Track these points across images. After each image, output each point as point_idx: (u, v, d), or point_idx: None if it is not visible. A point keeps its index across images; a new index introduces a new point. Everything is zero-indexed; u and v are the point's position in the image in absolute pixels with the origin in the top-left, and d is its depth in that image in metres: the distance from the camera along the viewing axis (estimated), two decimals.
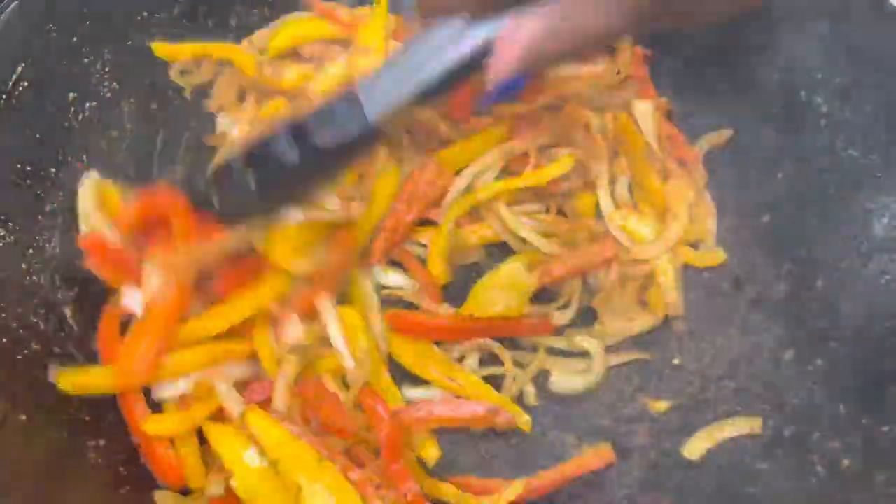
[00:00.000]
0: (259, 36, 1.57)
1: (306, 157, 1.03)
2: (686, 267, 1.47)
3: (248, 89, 1.55)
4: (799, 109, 1.39)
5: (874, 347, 1.25)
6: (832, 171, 1.35)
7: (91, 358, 1.30)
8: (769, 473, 1.26)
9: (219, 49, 1.51)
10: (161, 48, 1.47)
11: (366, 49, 1.48)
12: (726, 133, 1.51)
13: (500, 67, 0.87)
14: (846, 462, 1.18)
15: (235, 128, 1.54)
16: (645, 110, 1.52)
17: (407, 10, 1.44)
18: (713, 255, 1.47)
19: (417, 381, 1.36)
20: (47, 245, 1.31)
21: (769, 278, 1.42)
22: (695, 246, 1.49)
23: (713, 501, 1.27)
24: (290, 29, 1.55)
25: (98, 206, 1.35)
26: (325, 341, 1.30)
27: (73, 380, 1.20)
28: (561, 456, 1.34)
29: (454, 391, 1.33)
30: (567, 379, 1.39)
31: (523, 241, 1.42)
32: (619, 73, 1.50)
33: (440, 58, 0.92)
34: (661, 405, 1.38)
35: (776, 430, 1.29)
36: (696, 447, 1.31)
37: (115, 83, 1.41)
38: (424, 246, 1.44)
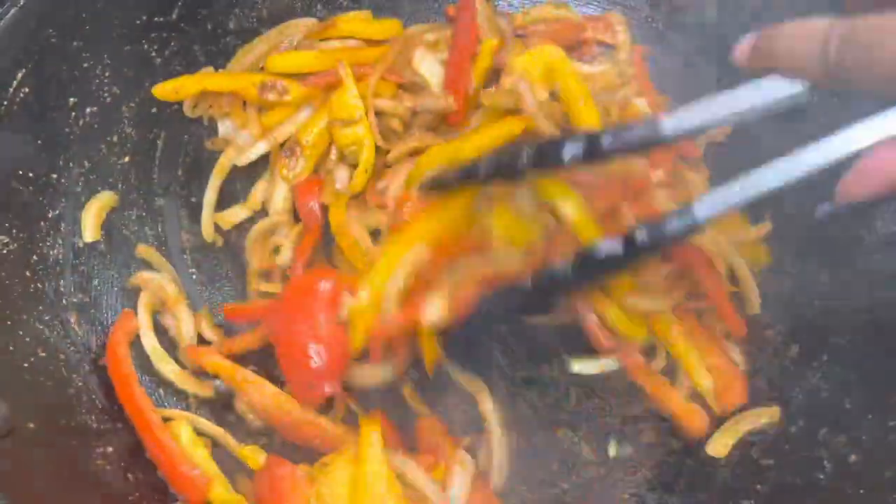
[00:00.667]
0: (259, 43, 1.57)
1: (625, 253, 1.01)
2: None
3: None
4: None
5: (879, 342, 1.25)
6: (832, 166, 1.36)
7: (96, 365, 1.30)
8: (776, 470, 1.26)
9: (218, 82, 1.51)
10: (162, 90, 1.47)
11: (340, 112, 1.49)
12: (725, 129, 1.52)
13: (855, 191, 0.74)
14: (853, 457, 1.19)
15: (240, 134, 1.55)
16: (643, 108, 1.52)
17: None
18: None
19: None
20: (51, 252, 1.31)
21: (772, 274, 1.42)
22: None
23: (720, 499, 1.27)
24: (285, 59, 1.55)
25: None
26: None
27: None
28: (569, 451, 1.35)
29: None
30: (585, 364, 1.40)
31: None
32: (619, 74, 1.50)
33: (789, 165, 0.87)
34: None
35: (783, 427, 1.30)
36: (719, 444, 1.31)
37: (115, 88, 1.41)
38: None
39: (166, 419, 1.28)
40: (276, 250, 1.49)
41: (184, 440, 1.26)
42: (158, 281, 1.42)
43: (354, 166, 1.50)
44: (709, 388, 1.34)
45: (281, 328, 1.34)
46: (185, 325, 1.40)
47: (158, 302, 1.42)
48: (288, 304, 1.35)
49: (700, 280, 1.36)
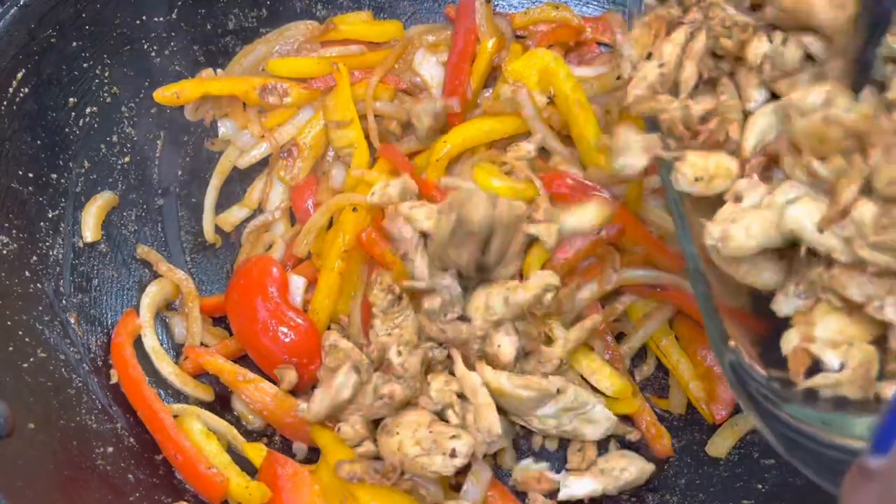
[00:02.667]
0: (258, 45, 1.57)
1: None
2: None
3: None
4: None
5: None
6: None
7: (95, 365, 1.30)
8: (776, 470, 1.26)
9: (218, 86, 1.51)
10: (162, 95, 1.46)
11: (334, 112, 1.50)
12: None
13: None
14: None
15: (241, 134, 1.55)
16: None
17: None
18: None
19: None
20: (51, 252, 1.31)
21: None
22: None
23: (720, 499, 1.27)
24: (286, 64, 1.55)
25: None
26: None
27: None
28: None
29: None
30: None
31: None
32: (619, 78, 1.50)
33: None
34: (666, 403, 1.38)
35: None
36: (720, 444, 1.32)
37: (114, 88, 1.41)
38: None
39: (175, 416, 1.29)
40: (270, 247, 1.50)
41: (196, 434, 1.27)
42: (179, 275, 1.42)
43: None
44: (699, 398, 1.34)
45: (243, 323, 1.36)
46: (195, 322, 1.40)
47: (162, 301, 1.42)
48: (240, 293, 1.37)
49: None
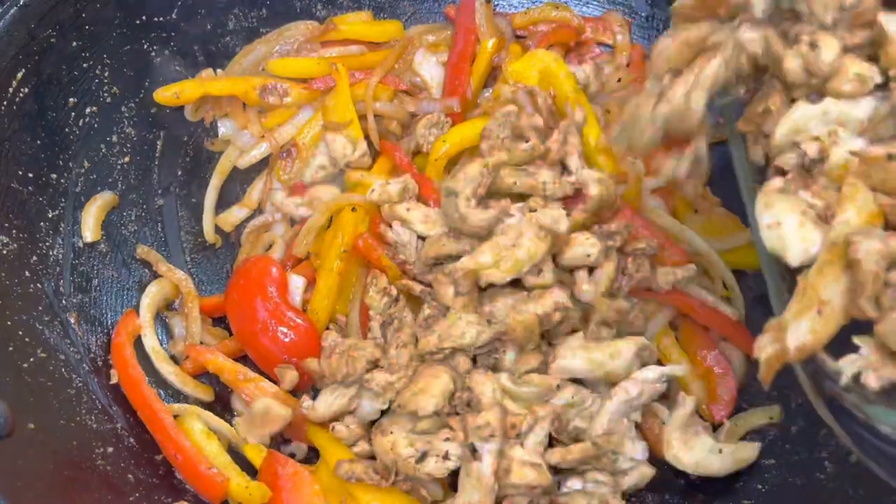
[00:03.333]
0: (258, 45, 1.57)
1: None
2: None
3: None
4: None
5: None
6: None
7: (95, 365, 1.30)
8: (777, 469, 1.26)
9: (218, 86, 1.51)
10: (163, 95, 1.46)
11: (333, 113, 1.50)
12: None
13: None
14: (854, 457, 1.19)
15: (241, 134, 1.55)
16: None
17: None
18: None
19: None
20: (51, 252, 1.31)
21: None
22: None
23: (721, 499, 1.27)
24: (287, 64, 1.55)
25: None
26: None
27: None
28: None
29: None
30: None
31: None
32: (619, 80, 1.50)
33: None
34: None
35: (783, 427, 1.30)
36: None
37: (114, 88, 1.41)
38: None
39: (175, 416, 1.29)
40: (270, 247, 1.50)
41: (196, 434, 1.27)
42: (178, 275, 1.43)
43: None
44: (700, 399, 1.34)
45: (242, 323, 1.36)
46: (195, 322, 1.40)
47: (162, 301, 1.42)
48: (240, 293, 1.38)
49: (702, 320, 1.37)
